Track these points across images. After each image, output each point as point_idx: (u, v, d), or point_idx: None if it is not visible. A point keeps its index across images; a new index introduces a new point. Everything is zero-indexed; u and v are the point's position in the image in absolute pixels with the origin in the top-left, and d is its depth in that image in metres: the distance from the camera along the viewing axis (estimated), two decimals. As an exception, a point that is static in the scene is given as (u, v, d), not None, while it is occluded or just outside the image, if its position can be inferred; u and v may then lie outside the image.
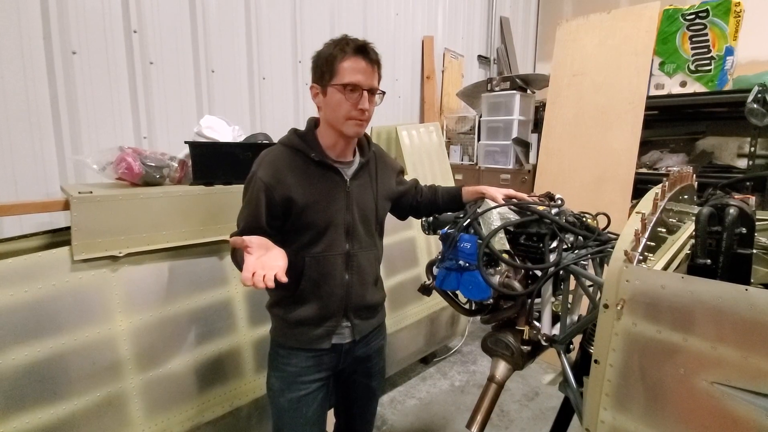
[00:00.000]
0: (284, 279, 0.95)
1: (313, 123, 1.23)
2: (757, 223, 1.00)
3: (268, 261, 0.98)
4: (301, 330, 1.20)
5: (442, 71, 4.08)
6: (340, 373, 1.32)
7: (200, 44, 2.43)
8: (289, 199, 1.13)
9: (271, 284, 0.92)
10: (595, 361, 0.91)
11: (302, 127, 1.25)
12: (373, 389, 1.41)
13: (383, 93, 1.18)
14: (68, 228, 1.41)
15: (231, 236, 1.15)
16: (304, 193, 1.14)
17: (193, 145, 1.72)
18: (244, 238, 0.99)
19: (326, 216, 1.16)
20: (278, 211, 1.13)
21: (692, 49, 2.65)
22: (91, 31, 2.05)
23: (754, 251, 0.99)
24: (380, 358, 1.40)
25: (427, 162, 2.62)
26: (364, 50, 1.11)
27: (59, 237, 1.56)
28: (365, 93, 1.12)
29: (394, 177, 1.39)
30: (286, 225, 1.16)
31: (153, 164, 1.64)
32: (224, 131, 1.88)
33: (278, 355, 1.25)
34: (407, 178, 1.48)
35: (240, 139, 1.92)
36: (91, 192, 1.42)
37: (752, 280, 1.03)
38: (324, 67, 1.12)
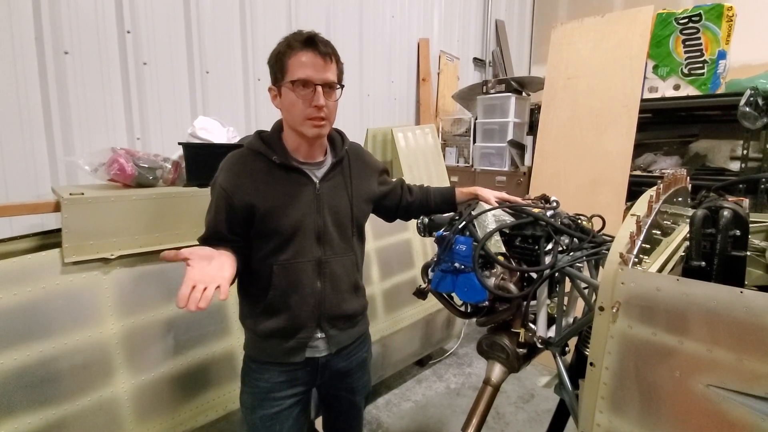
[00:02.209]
0: (224, 296, 0.88)
1: (279, 125, 1.17)
2: (750, 225, 1.01)
3: (210, 271, 0.91)
4: (271, 343, 1.14)
5: (438, 73, 4.09)
6: (321, 388, 1.26)
7: (195, 45, 2.42)
8: (249, 205, 1.07)
9: (205, 304, 0.84)
10: (591, 364, 0.90)
11: None
12: (357, 405, 1.34)
13: (342, 87, 1.09)
14: (59, 230, 1.39)
15: (198, 240, 1.12)
16: (266, 197, 1.07)
17: (187, 147, 1.70)
18: (182, 251, 0.90)
19: (292, 221, 1.09)
20: (239, 217, 1.08)
21: (685, 52, 2.67)
22: (83, 32, 2.03)
23: (748, 253, 0.99)
24: (363, 372, 1.31)
25: (423, 164, 2.62)
26: (311, 42, 1.02)
27: (50, 239, 1.53)
28: (319, 88, 1.03)
29: (375, 177, 1.30)
30: (251, 231, 1.10)
31: (146, 165, 1.63)
32: (218, 132, 1.87)
33: (250, 369, 1.18)
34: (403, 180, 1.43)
35: (234, 140, 1.91)
36: (83, 193, 1.41)
37: (746, 282, 1.03)
38: (276, 67, 1.05)
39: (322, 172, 1.15)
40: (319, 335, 1.16)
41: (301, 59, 1.02)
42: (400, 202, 1.36)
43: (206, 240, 1.11)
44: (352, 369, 1.26)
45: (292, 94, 1.04)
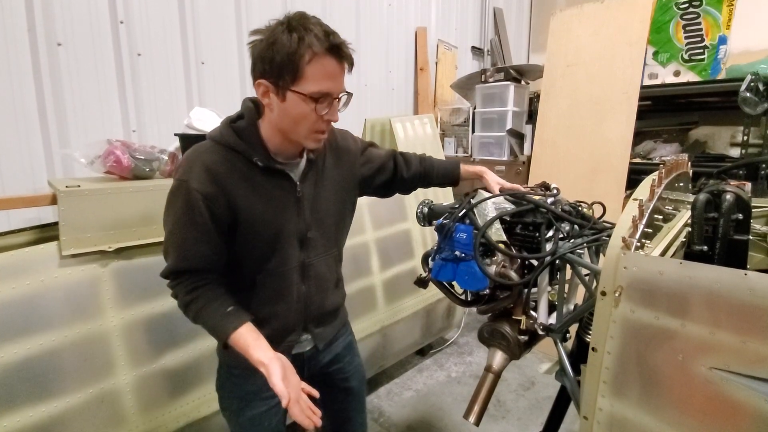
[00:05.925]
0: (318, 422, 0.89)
1: (254, 115, 0.96)
2: (752, 209, 1.00)
3: (293, 380, 0.89)
4: None
5: (436, 63, 4.05)
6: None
7: (189, 35, 2.38)
8: (233, 212, 0.95)
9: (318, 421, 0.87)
10: (593, 349, 0.90)
11: None
12: (354, 391, 1.28)
13: (350, 95, 0.96)
14: (56, 223, 1.38)
15: (164, 276, 1.00)
16: (250, 204, 0.96)
17: (184, 138, 1.69)
18: (286, 395, 0.85)
19: (275, 228, 1.00)
20: (224, 227, 0.96)
21: (686, 38, 2.65)
22: (76, 22, 1.99)
23: (750, 237, 0.99)
24: (352, 355, 1.27)
25: (422, 154, 2.61)
26: (337, 50, 0.88)
27: (47, 232, 1.53)
28: (335, 102, 0.93)
29: (356, 160, 1.19)
30: (230, 241, 1.00)
31: (142, 157, 1.61)
32: (215, 123, 1.84)
33: (232, 375, 1.11)
34: None
35: (231, 131, 1.89)
36: (79, 186, 1.39)
37: (748, 267, 1.03)
38: (283, 65, 0.87)
39: (299, 171, 1.05)
40: (305, 336, 1.14)
41: (323, 69, 0.88)
42: (394, 177, 1.29)
43: (179, 273, 0.97)
44: (339, 354, 1.23)
45: (304, 105, 0.90)
